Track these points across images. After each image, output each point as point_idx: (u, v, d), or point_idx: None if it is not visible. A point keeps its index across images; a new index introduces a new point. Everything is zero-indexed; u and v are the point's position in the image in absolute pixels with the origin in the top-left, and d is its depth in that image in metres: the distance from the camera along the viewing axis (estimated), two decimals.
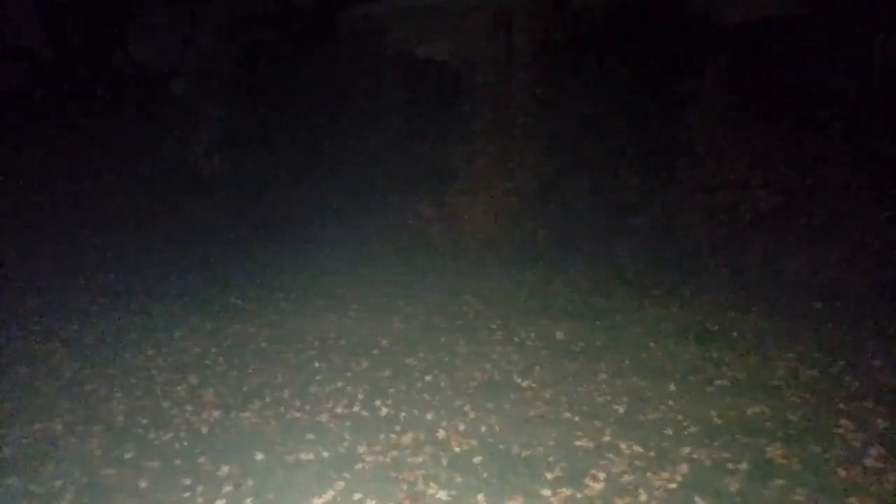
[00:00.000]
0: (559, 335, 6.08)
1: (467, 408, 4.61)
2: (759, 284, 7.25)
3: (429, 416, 4.49)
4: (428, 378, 5.18)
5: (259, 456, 3.96)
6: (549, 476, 3.62)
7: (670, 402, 4.54)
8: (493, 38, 10.88)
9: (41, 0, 10.74)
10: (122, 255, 9.41)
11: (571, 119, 9.44)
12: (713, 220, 7.98)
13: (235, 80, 11.83)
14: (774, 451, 3.78)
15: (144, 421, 4.47)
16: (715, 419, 4.24)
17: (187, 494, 3.57)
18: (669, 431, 4.10)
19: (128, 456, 3.98)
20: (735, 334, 5.88)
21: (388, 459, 3.90)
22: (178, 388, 5.06)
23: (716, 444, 3.90)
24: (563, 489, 3.47)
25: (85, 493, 3.58)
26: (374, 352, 5.79)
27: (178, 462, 3.91)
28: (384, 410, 4.61)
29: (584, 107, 9.27)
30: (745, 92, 8.21)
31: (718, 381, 4.88)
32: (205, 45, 12.18)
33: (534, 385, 4.99)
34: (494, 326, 6.41)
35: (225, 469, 3.81)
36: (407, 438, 4.17)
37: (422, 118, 11.00)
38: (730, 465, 3.63)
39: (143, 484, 3.67)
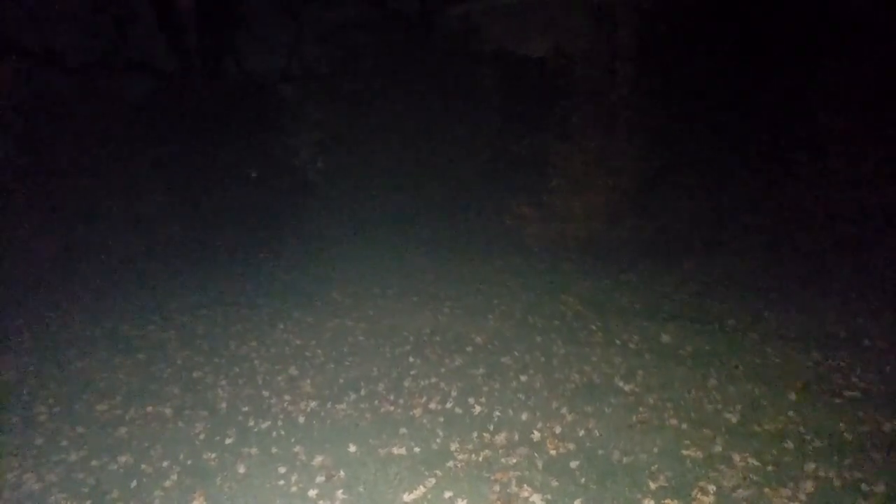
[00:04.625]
0: (665, 338, 5.74)
1: (564, 410, 4.41)
2: (892, 288, 6.54)
3: (523, 417, 4.33)
4: (523, 378, 5.02)
5: (352, 448, 3.96)
6: (653, 485, 3.38)
7: (790, 413, 4.15)
8: (593, 32, 10.56)
9: (164, 15, 11.42)
10: (231, 252, 9.85)
11: (678, 113, 8.97)
12: (838, 218, 7.29)
13: (338, 85, 12.14)
14: None
15: (245, 408, 4.60)
16: (844, 434, 3.82)
17: (282, 482, 3.61)
18: (790, 444, 3.73)
19: (228, 441, 4.10)
20: (866, 342, 5.31)
21: (480, 458, 3.79)
22: (279, 378, 5.18)
23: (846, 461, 3.51)
24: (668, 500, 3.23)
25: (188, 474, 3.72)
26: (469, 349, 5.70)
27: (274, 450, 3.98)
28: (477, 408, 4.50)
29: (692, 100, 8.78)
30: (874, 79, 7.45)
31: (848, 393, 4.41)
32: (309, 50, 12.59)
33: (637, 389, 4.72)
34: (594, 328, 6.15)
35: (319, 459, 3.84)
36: (500, 438, 4.03)
37: (519, 116, 10.84)
38: (864, 486, 3.24)
39: (241, 469, 3.76)
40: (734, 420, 4.11)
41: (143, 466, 3.81)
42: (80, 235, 9.46)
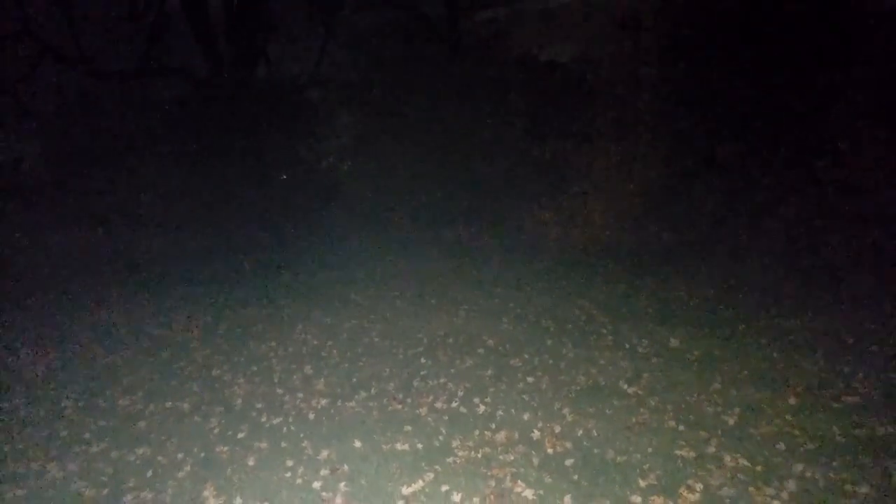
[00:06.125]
0: (673, 342, 5.79)
1: (566, 411, 4.52)
2: None
3: (525, 417, 4.45)
4: (530, 379, 5.14)
5: (357, 444, 4.14)
6: (643, 483, 3.48)
7: (787, 417, 4.19)
8: (618, 37, 10.61)
9: (195, 19, 11.79)
10: (257, 253, 10.15)
11: (700, 118, 8.98)
12: (858, 224, 7.22)
13: (365, 89, 12.38)
14: None
15: (259, 405, 4.82)
16: (837, 437, 3.86)
17: (288, 474, 3.81)
18: (782, 446, 3.79)
19: (240, 436, 4.32)
20: (874, 348, 5.29)
21: (479, 455, 3.93)
22: (294, 376, 5.39)
23: (834, 463, 3.56)
24: (655, 497, 3.32)
25: (200, 466, 3.95)
26: (480, 351, 5.83)
27: (284, 444, 4.19)
28: (482, 408, 4.63)
29: (715, 105, 8.78)
30: None
31: (848, 398, 4.42)
32: (338, 55, 12.87)
33: (640, 392, 4.80)
34: (605, 331, 6.23)
35: (325, 453, 4.03)
36: (501, 436, 4.17)
37: (543, 120, 10.92)
38: (847, 487, 3.29)
39: (250, 462, 3.97)
40: (731, 422, 4.17)
41: (159, 458, 4.05)
42: (111, 234, 9.85)
